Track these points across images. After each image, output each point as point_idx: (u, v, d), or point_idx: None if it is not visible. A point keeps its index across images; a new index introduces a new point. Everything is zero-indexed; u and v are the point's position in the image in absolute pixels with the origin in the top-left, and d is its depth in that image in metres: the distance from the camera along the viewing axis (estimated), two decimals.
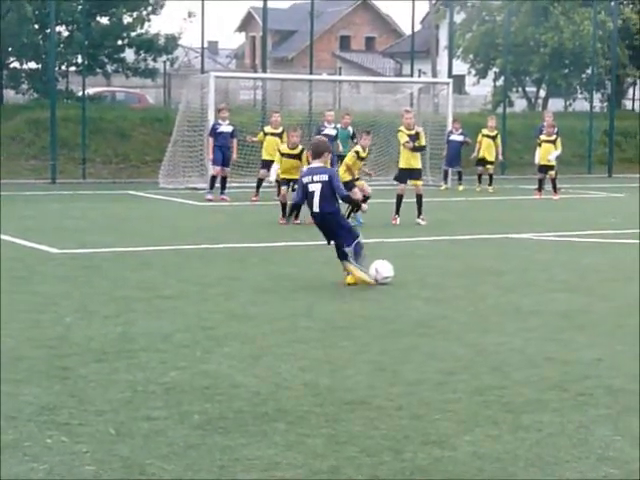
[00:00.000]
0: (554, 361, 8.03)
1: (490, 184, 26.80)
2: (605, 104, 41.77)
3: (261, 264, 13.07)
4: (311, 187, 11.58)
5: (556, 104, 42.38)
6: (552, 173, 24.79)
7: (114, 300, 10.33)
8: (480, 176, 27.30)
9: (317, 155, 11.85)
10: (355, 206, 11.90)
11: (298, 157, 18.49)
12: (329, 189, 11.52)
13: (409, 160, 18.38)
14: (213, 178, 22.85)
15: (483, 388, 7.17)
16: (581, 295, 11.19)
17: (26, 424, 6.20)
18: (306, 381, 7.30)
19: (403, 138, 18.31)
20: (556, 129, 25.47)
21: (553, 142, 24.82)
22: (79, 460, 5.61)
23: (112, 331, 8.87)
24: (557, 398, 6.96)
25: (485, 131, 27.53)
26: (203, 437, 6.02)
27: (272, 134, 22.61)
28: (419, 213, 18.19)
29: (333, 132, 23.43)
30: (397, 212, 18.18)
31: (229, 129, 22.86)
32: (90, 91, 33.99)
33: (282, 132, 21.93)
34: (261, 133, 23.09)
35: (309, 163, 17.80)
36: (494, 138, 27.42)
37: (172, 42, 34.30)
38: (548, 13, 39.10)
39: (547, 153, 24.75)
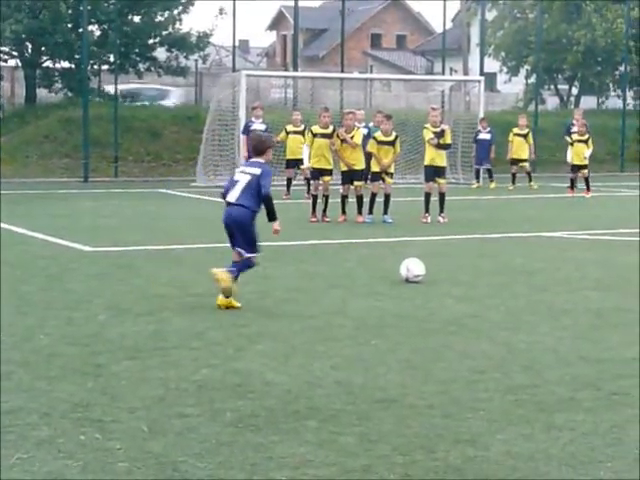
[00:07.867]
0: (587, 360, 7.99)
1: (530, 180, 26.83)
2: (638, 101, 41.49)
3: (293, 262, 13.08)
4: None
5: (588, 102, 42.15)
6: (585, 171, 24.68)
7: (146, 298, 10.37)
8: (514, 175, 27.13)
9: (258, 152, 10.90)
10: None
11: (330, 136, 18.37)
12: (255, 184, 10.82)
13: (434, 158, 18.34)
14: None
15: (515, 387, 7.15)
16: (614, 294, 11.11)
17: (60, 421, 6.24)
18: (338, 379, 7.30)
19: (428, 135, 18.26)
20: (587, 128, 25.24)
21: (585, 142, 24.69)
22: (112, 457, 5.64)
23: (145, 329, 8.91)
24: (590, 397, 6.93)
25: (516, 130, 27.41)
26: (235, 435, 6.03)
27: (295, 132, 22.57)
28: (441, 210, 18.17)
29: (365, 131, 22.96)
30: (427, 210, 18.15)
31: (262, 127, 22.78)
32: (121, 87, 34.07)
33: (304, 130, 21.52)
34: (283, 132, 22.93)
35: (342, 142, 17.83)
36: (525, 136, 27.31)
37: (204, 40, 34.37)
38: (580, 10, 38.90)
39: (581, 152, 24.61)
